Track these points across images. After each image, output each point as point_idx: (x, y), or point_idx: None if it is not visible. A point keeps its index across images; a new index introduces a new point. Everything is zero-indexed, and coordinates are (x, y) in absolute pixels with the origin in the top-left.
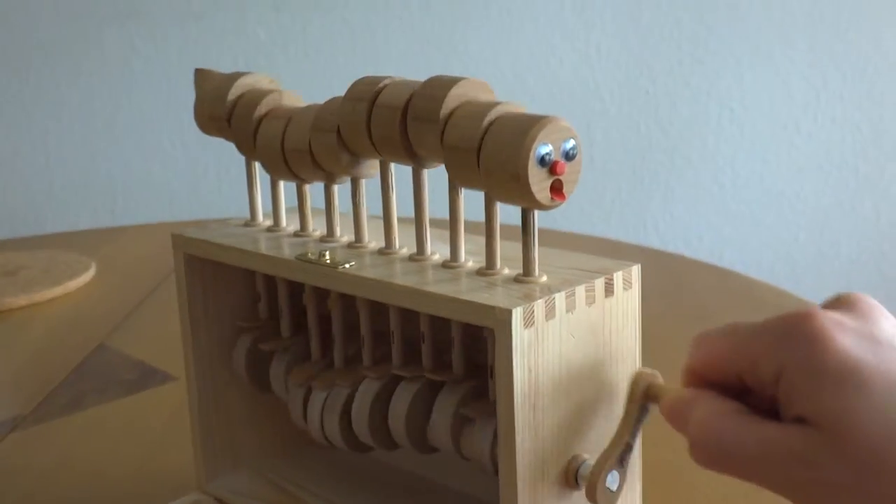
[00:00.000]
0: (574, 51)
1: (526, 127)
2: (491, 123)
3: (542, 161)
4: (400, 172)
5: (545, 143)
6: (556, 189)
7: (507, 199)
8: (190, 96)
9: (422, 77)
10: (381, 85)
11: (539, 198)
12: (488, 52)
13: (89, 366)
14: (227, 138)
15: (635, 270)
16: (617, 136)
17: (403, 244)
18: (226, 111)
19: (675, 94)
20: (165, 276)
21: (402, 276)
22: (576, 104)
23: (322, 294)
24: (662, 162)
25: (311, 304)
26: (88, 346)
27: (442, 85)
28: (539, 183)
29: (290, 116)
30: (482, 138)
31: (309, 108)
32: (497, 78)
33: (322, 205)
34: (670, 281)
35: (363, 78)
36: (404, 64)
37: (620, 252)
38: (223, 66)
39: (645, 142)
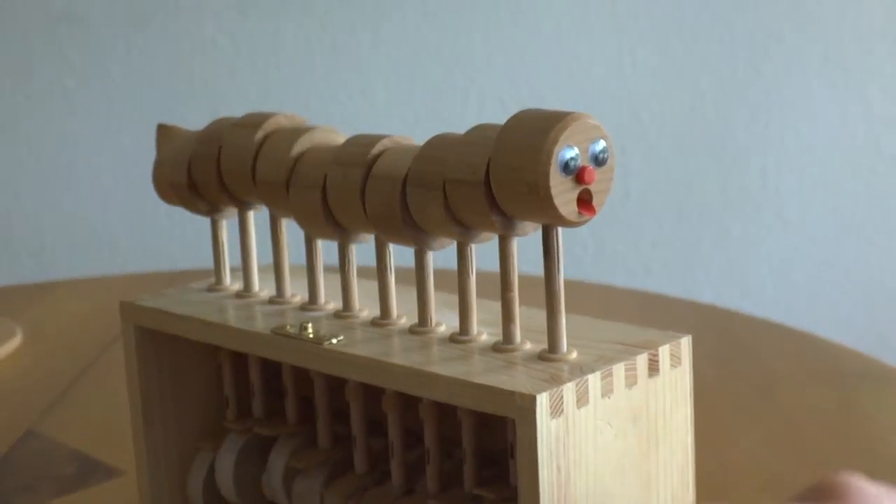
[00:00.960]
0: (604, 59)
1: (545, 125)
2: (502, 128)
3: (567, 167)
4: None
5: (570, 146)
6: (584, 201)
7: (525, 216)
8: (135, 122)
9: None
10: (379, 148)
11: (564, 212)
12: (498, 63)
13: (15, 457)
14: (196, 210)
15: (685, 344)
16: (658, 163)
17: (402, 312)
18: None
19: (729, 111)
20: (108, 345)
21: (401, 354)
22: (606, 125)
23: (303, 374)
24: (714, 194)
25: (291, 386)
26: (14, 432)
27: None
28: (563, 194)
29: (262, 135)
30: (486, 166)
31: (295, 132)
32: (510, 94)
33: (303, 260)
34: (726, 345)
35: (356, 137)
36: (396, 78)
37: (664, 308)
38: (176, 82)
39: (692, 170)
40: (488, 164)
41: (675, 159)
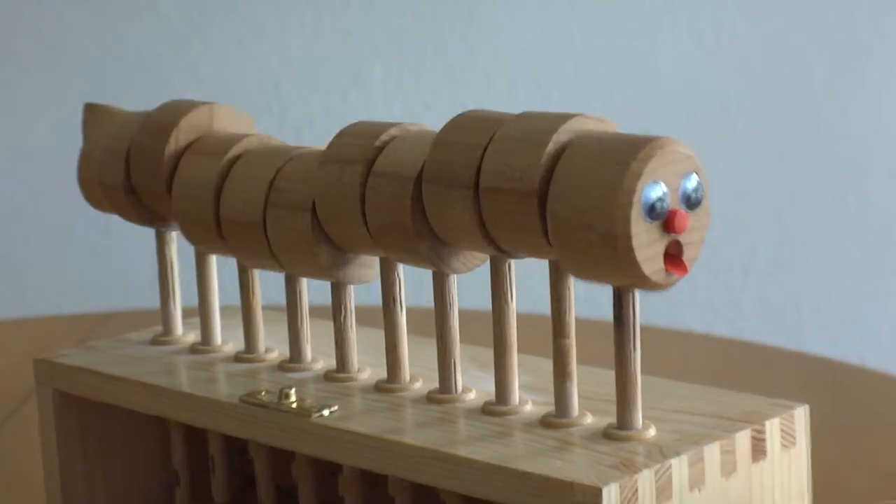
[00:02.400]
0: (674, 29)
1: (624, 154)
2: (562, 149)
3: (652, 211)
4: None
5: (656, 182)
6: (673, 256)
7: (592, 274)
8: (60, 110)
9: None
10: (384, 139)
11: (647, 270)
12: (522, 38)
13: None
14: (129, 217)
15: (801, 416)
16: (748, 166)
17: (417, 372)
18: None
19: (844, 95)
20: (13, 410)
21: (416, 431)
22: (679, 116)
23: (283, 456)
24: (826, 205)
25: (264, 474)
26: None
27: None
28: (647, 246)
29: (230, 157)
30: (548, 171)
31: (259, 156)
32: (547, 75)
33: (281, 299)
34: (847, 413)
35: (354, 126)
36: (397, 54)
37: (761, 362)
38: (121, 64)
39: (795, 174)
40: (543, 196)
41: (771, 160)
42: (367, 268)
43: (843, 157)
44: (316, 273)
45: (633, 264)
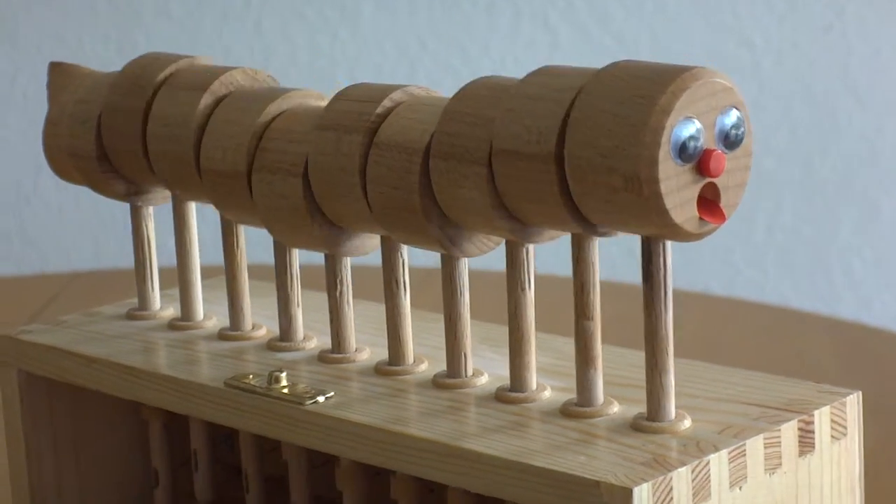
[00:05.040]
0: None
1: (649, 88)
2: (580, 90)
3: (684, 150)
4: None
5: (688, 118)
6: (709, 202)
7: (617, 224)
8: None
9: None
10: (387, 104)
11: (678, 218)
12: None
13: None
14: (109, 192)
15: (853, 404)
16: (774, 108)
17: (422, 353)
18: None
19: (876, 30)
20: None
21: (421, 420)
22: (701, 56)
23: (273, 445)
24: (858, 155)
25: (252, 465)
26: None
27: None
28: (678, 191)
29: (214, 93)
30: (567, 113)
31: (241, 97)
32: (546, 12)
33: (271, 261)
34: (887, 384)
35: (353, 88)
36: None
37: (789, 328)
38: (98, 38)
39: (824, 119)
40: (561, 132)
41: (799, 102)
42: (368, 238)
43: (878, 101)
44: (308, 244)
45: (662, 211)
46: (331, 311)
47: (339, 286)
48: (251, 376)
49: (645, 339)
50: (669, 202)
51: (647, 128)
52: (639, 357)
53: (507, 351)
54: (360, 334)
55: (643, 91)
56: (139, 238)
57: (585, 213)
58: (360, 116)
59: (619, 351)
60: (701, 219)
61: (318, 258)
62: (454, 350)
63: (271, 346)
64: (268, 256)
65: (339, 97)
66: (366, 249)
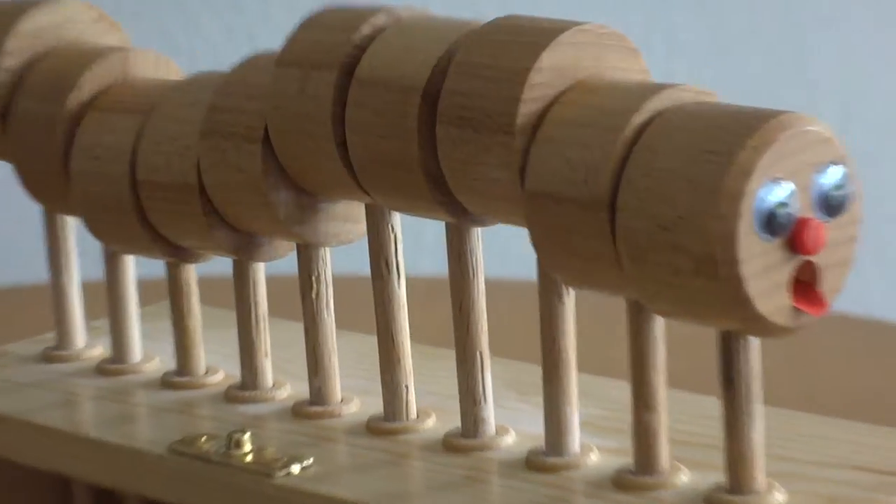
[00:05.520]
0: None
1: (725, 140)
2: (640, 131)
3: (772, 222)
4: None
5: (776, 180)
6: (805, 286)
7: (686, 313)
8: None
9: None
10: (366, 31)
11: (765, 308)
12: None
13: None
14: None
15: None
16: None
17: (426, 402)
18: None
19: None
20: None
21: (428, 498)
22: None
23: None
24: None
25: None
26: None
27: (522, 40)
28: (765, 274)
29: (149, 108)
30: (618, 170)
31: (190, 84)
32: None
33: (228, 276)
34: None
35: (322, 14)
36: None
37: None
38: None
39: None
40: (613, 206)
41: None
42: (349, 222)
43: None
44: (273, 229)
45: (744, 301)
46: (308, 341)
47: (314, 287)
48: (204, 439)
49: (726, 464)
50: (754, 288)
51: (723, 193)
52: (714, 404)
53: (538, 399)
54: (346, 378)
55: (716, 145)
56: (55, 250)
57: (645, 299)
58: (334, 48)
59: (680, 395)
60: (795, 308)
61: (281, 266)
62: (468, 381)
63: (231, 395)
64: (224, 266)
65: (304, 26)
66: (348, 237)
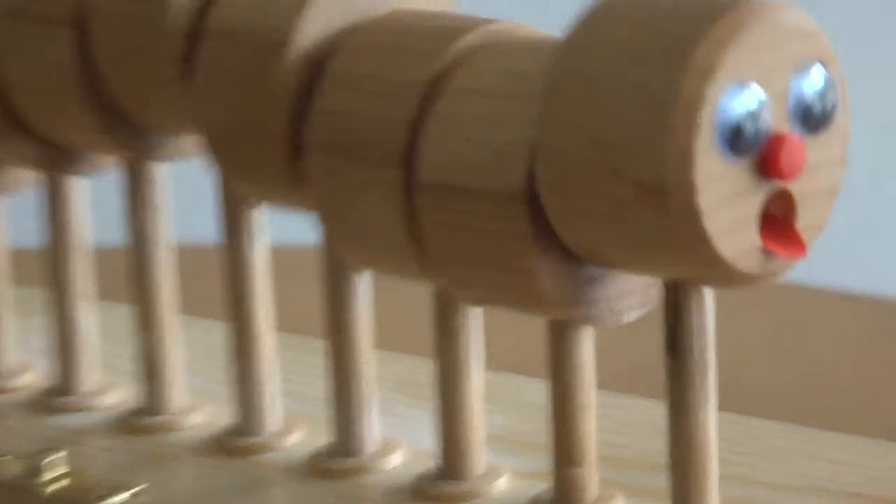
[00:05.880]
0: None
1: (683, 31)
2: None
3: (738, 138)
4: None
5: (744, 84)
6: (780, 222)
7: (623, 259)
8: None
9: None
10: None
11: (728, 251)
12: None
13: None
14: None
15: None
16: None
17: (294, 409)
18: None
19: None
20: None
21: None
22: None
23: None
24: None
25: None
26: None
27: None
28: (728, 205)
29: None
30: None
31: None
32: None
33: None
34: None
35: None
36: None
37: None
38: None
39: None
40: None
41: None
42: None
43: None
44: (88, 142)
45: (701, 240)
46: (142, 320)
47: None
48: (9, 459)
49: (670, 452)
50: (714, 224)
51: (675, 100)
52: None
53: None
54: (196, 378)
55: (667, 39)
56: None
57: (574, 242)
58: None
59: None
60: (766, 251)
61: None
62: (342, 386)
63: (43, 403)
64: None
65: None
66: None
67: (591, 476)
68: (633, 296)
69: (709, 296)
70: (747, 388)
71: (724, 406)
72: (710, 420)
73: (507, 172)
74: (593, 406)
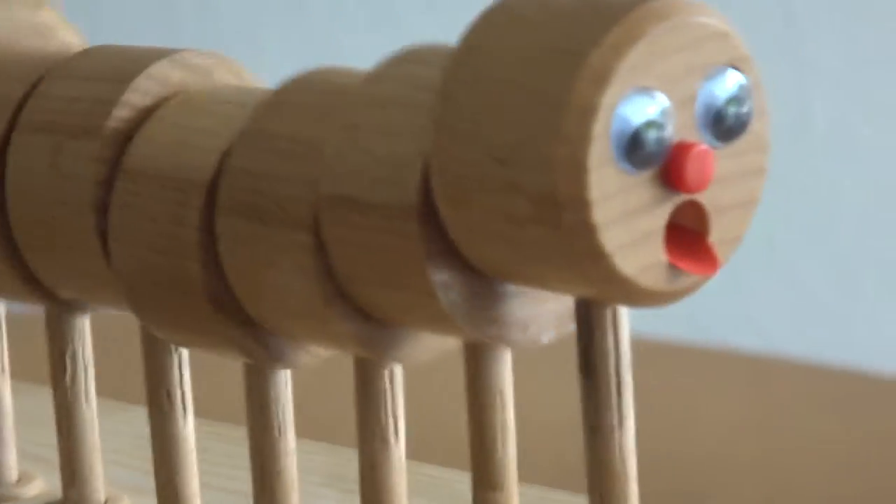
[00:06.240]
0: None
1: (580, 32)
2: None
3: (636, 146)
4: None
5: (645, 91)
6: (688, 236)
7: (523, 277)
8: None
9: None
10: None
11: (628, 268)
12: None
13: None
14: None
15: None
16: None
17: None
18: None
19: None
20: None
21: None
22: None
23: None
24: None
25: None
26: None
27: None
28: (628, 220)
29: None
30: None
31: None
32: None
33: None
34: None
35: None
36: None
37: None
38: None
39: None
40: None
41: None
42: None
43: None
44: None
45: (597, 257)
46: (59, 436)
47: (69, 368)
48: None
49: (587, 475)
50: (611, 240)
51: (568, 107)
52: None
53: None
54: (121, 469)
55: (564, 41)
56: None
57: (474, 256)
58: (93, 118)
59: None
60: (672, 266)
61: None
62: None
63: None
64: None
65: (61, 74)
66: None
67: (512, 501)
68: (549, 314)
69: (623, 312)
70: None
71: None
72: (627, 441)
73: (402, 185)
74: (512, 429)
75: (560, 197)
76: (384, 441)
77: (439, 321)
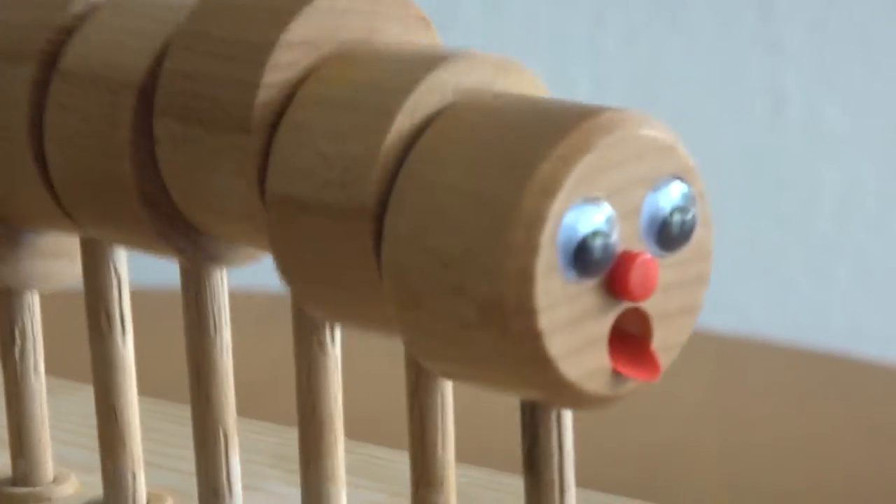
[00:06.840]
0: None
1: (529, 144)
2: (419, 131)
3: (583, 255)
4: None
5: (593, 201)
6: (631, 343)
7: (469, 377)
8: None
9: None
10: (78, 8)
11: (572, 373)
12: None
13: None
14: None
15: None
16: None
17: (166, 482)
18: None
19: None
20: None
21: None
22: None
23: None
24: None
25: None
26: None
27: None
28: (573, 327)
29: None
30: (390, 171)
31: None
32: None
33: None
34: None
35: None
36: None
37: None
38: None
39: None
40: (387, 181)
41: None
42: (62, 259)
43: None
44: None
45: (543, 363)
46: (8, 409)
47: (19, 342)
48: None
49: None
50: (557, 346)
51: (516, 217)
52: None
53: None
54: (68, 447)
55: (513, 153)
56: None
57: (423, 357)
58: (32, 31)
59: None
60: (616, 373)
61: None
62: (207, 458)
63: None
64: None
65: None
66: (63, 276)
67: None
68: None
69: (567, 414)
70: None
71: None
72: None
73: (352, 187)
74: (450, 440)
75: (506, 304)
76: (320, 342)
77: (385, 324)
